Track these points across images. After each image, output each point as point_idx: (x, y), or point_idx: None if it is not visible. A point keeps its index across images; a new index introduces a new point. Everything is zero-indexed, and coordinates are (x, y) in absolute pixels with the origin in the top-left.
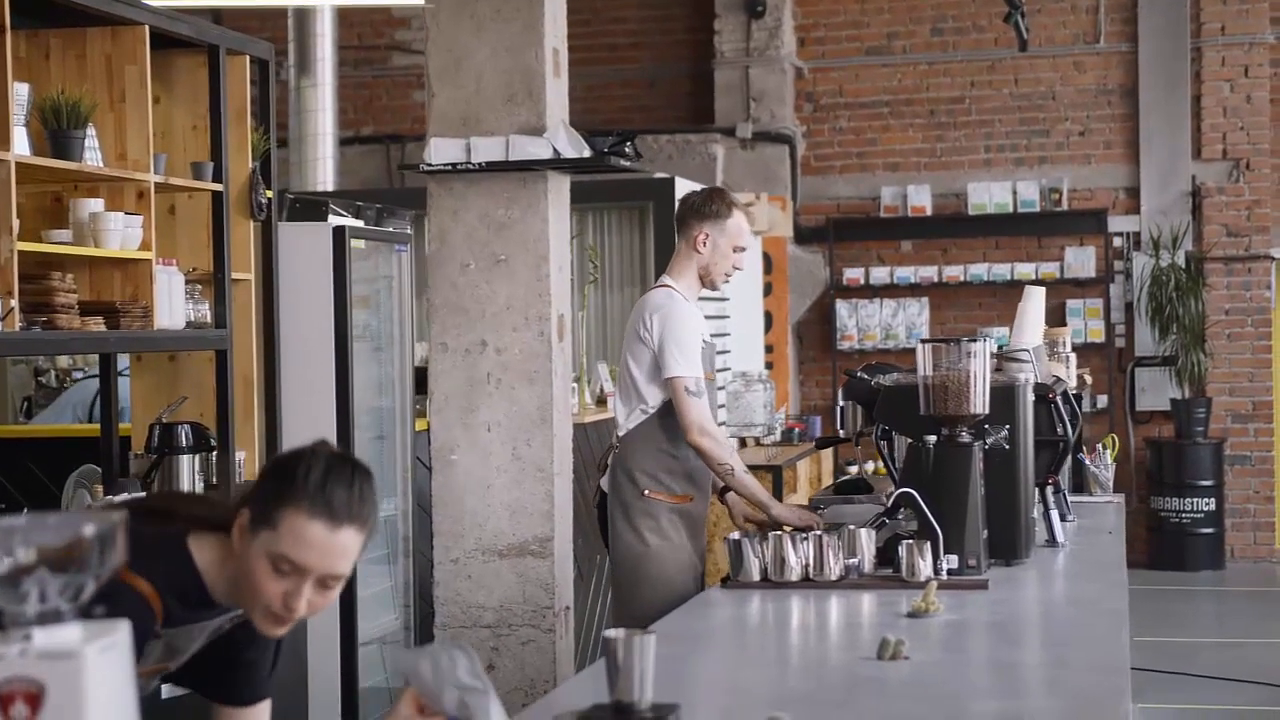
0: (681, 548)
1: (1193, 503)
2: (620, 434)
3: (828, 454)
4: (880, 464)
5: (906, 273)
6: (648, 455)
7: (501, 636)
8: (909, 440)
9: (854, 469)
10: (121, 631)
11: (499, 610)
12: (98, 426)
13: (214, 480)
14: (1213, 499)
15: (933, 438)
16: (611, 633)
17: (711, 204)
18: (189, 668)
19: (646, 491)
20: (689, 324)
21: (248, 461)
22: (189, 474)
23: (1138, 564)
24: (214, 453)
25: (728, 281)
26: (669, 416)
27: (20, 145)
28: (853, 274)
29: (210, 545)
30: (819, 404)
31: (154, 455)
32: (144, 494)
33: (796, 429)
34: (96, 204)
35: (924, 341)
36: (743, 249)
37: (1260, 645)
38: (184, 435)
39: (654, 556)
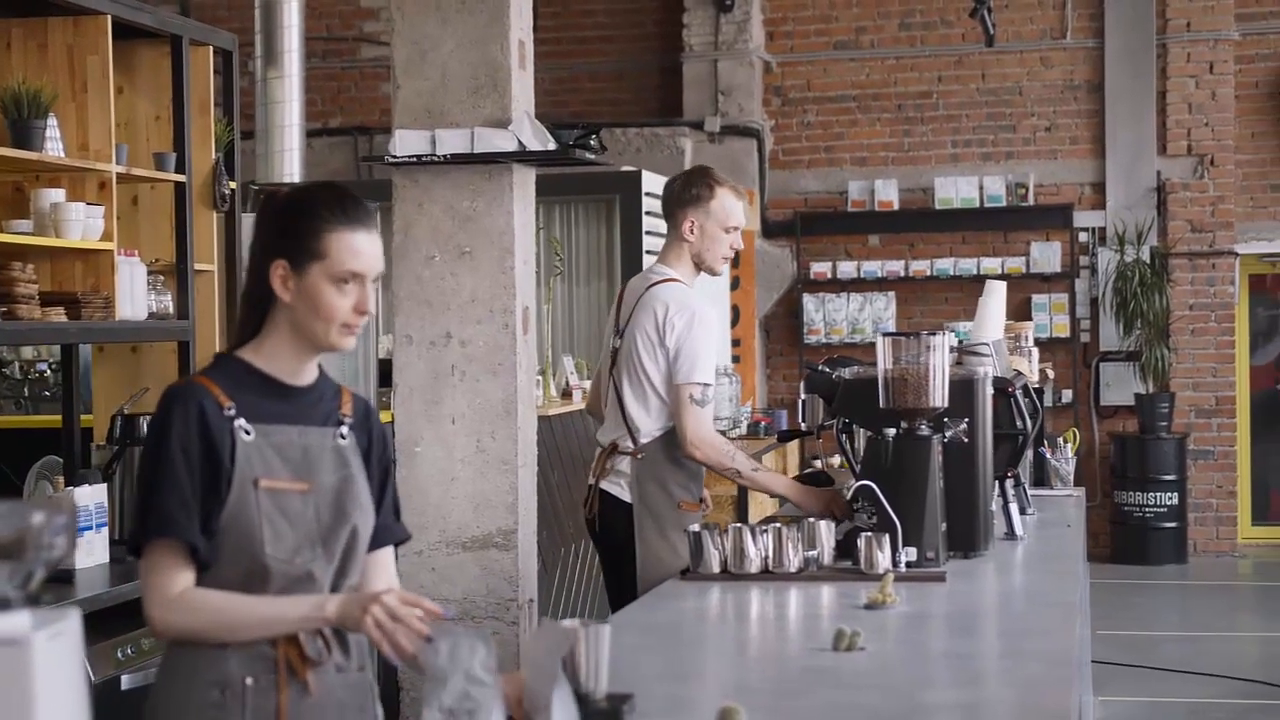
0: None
1: (1156, 497)
2: (642, 439)
3: (793, 447)
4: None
5: (873, 267)
6: (678, 462)
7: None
8: (869, 433)
9: (819, 462)
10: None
11: (463, 603)
12: (59, 418)
13: None
14: (1175, 493)
15: (892, 431)
16: (567, 623)
17: (692, 188)
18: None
19: (681, 504)
20: (710, 326)
21: None
22: None
23: (1101, 558)
24: None
25: (726, 263)
26: None
27: None
28: (820, 268)
29: (253, 344)
30: (786, 398)
31: (115, 446)
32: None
33: (763, 423)
34: (58, 194)
35: (884, 335)
36: (735, 228)
37: (1222, 639)
38: (146, 427)
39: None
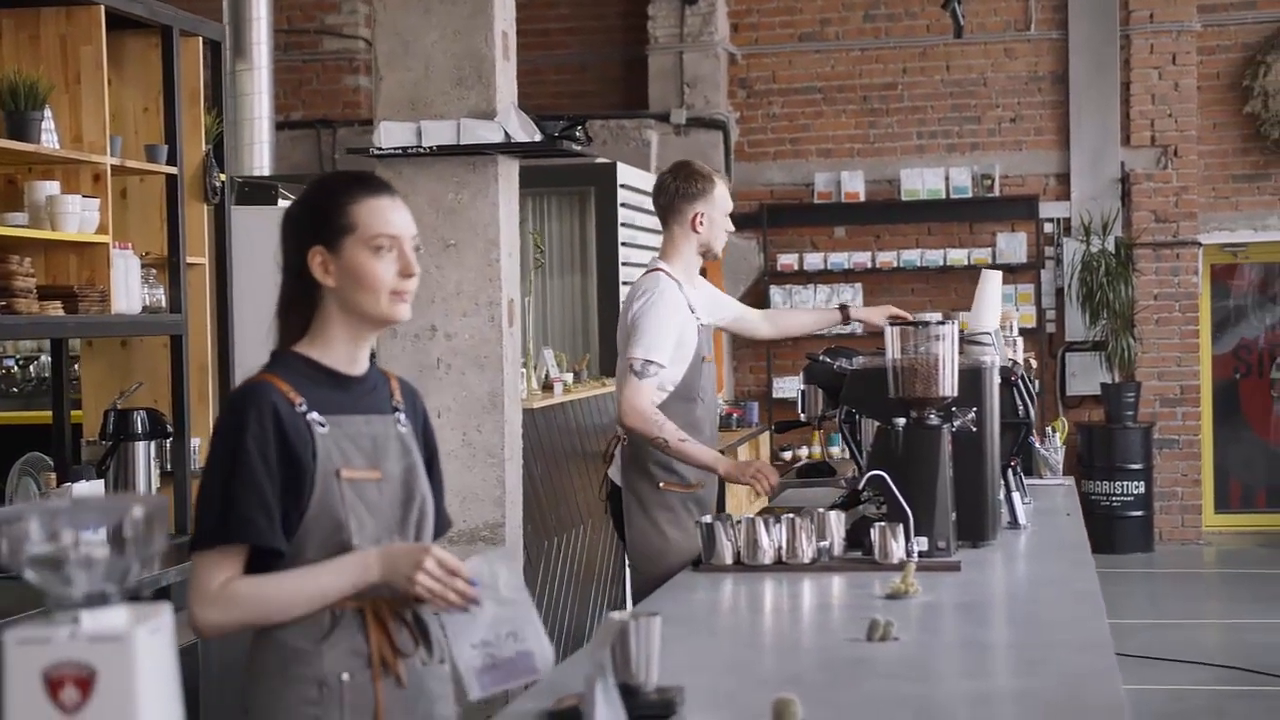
0: (698, 535)
1: (1122, 486)
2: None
3: (765, 439)
4: (820, 448)
5: (840, 258)
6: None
7: None
8: (877, 423)
9: (788, 455)
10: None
11: None
12: (31, 414)
13: (169, 467)
14: (1142, 482)
15: (902, 420)
16: (618, 615)
17: (695, 183)
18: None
19: (661, 484)
20: (667, 309)
21: (203, 448)
22: (144, 460)
23: None
24: (169, 439)
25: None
26: (675, 405)
27: None
28: (787, 260)
29: (306, 339)
30: (754, 390)
31: (108, 442)
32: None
33: (735, 415)
34: (53, 186)
35: (892, 324)
36: (730, 212)
37: (1190, 625)
38: (140, 421)
39: (674, 549)
